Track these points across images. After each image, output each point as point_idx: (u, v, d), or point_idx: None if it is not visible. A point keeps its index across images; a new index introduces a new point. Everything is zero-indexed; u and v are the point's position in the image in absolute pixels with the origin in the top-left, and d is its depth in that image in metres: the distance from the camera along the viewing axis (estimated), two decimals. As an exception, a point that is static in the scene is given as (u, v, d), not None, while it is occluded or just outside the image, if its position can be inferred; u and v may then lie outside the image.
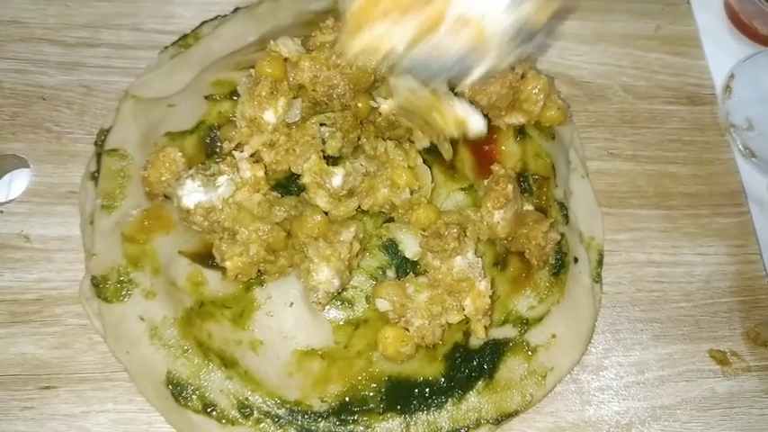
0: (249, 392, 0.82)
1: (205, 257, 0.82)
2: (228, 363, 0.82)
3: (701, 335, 0.98)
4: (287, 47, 0.86)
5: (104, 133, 0.96)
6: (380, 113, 0.84)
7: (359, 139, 0.86)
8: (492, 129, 0.93)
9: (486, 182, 0.87)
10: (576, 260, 0.95)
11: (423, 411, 0.84)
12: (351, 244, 0.79)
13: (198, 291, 0.83)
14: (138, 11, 1.07)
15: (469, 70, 0.70)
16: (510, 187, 0.83)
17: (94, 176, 0.93)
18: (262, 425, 0.82)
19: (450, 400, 0.85)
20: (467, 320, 0.81)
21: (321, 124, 0.84)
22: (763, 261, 1.03)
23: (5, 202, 0.94)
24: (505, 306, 0.88)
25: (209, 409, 0.82)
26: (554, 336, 0.90)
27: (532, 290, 0.89)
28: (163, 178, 0.84)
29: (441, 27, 0.66)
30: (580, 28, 1.16)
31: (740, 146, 1.11)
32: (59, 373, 0.86)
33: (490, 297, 0.80)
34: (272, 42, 0.86)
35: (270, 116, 0.83)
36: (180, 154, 0.85)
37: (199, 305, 0.83)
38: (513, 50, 0.69)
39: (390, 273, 0.83)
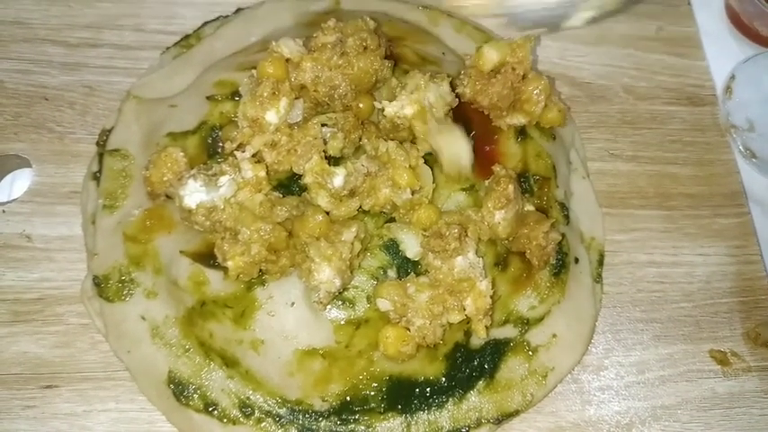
0: (250, 392, 0.82)
1: (207, 257, 0.83)
2: (230, 362, 0.83)
3: (701, 335, 0.98)
4: (289, 47, 0.86)
5: (106, 133, 0.96)
6: (384, 115, 0.84)
7: (360, 139, 0.86)
8: (493, 129, 0.93)
9: (487, 182, 0.87)
10: (576, 260, 0.95)
11: (424, 411, 0.84)
12: (352, 244, 0.79)
13: (199, 290, 0.83)
14: (140, 11, 1.07)
15: (577, 10, 0.70)
16: (511, 188, 0.84)
17: (96, 176, 0.94)
18: (263, 424, 0.82)
19: (450, 399, 0.85)
20: (468, 320, 0.81)
21: (323, 125, 0.84)
22: (763, 261, 1.03)
23: (7, 202, 0.94)
24: (506, 306, 0.88)
25: (210, 409, 0.82)
26: (555, 336, 0.90)
27: (533, 290, 0.89)
28: (165, 178, 0.85)
29: None
30: (581, 29, 1.16)
31: (741, 147, 1.11)
32: (61, 373, 0.86)
33: (491, 297, 0.80)
34: (273, 43, 0.86)
35: (272, 116, 0.83)
36: (182, 154, 0.85)
37: (200, 305, 0.83)
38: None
39: (391, 273, 0.83)
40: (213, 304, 0.82)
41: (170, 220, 0.87)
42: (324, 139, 0.84)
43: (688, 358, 0.96)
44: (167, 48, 1.04)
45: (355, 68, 0.84)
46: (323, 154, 0.83)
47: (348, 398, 0.82)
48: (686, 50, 1.18)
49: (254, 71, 0.86)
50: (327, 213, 0.80)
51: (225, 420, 0.82)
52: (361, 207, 0.83)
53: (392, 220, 0.85)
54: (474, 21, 1.11)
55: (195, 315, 0.83)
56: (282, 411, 0.82)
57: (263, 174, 0.81)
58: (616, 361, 0.95)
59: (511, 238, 0.87)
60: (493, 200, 0.84)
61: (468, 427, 0.85)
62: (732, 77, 1.14)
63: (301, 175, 0.83)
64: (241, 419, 0.82)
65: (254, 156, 0.83)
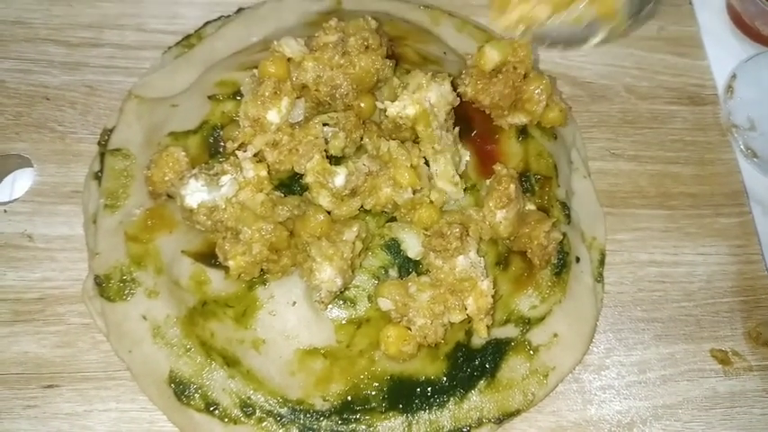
0: (251, 391, 0.82)
1: (208, 257, 0.83)
2: (231, 362, 0.83)
3: (702, 334, 0.98)
4: (290, 47, 0.86)
5: (108, 133, 0.96)
6: (387, 115, 0.84)
7: (362, 138, 0.86)
8: (494, 129, 0.93)
9: (488, 181, 0.87)
10: (577, 260, 0.95)
11: (425, 410, 0.84)
12: (353, 243, 0.79)
13: (201, 290, 0.83)
14: (141, 11, 1.07)
15: (595, 33, 0.84)
16: (512, 187, 0.84)
17: (98, 176, 0.94)
18: (264, 424, 0.82)
19: (452, 399, 0.85)
20: (469, 320, 0.81)
21: (324, 124, 0.84)
22: (764, 261, 1.03)
23: (9, 202, 0.94)
24: (507, 305, 0.88)
25: (211, 408, 0.82)
26: (556, 335, 0.90)
27: (534, 289, 0.89)
28: (166, 178, 0.85)
29: (576, 3, 0.79)
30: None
31: (742, 146, 1.11)
32: (62, 372, 0.86)
33: (492, 296, 0.80)
34: (275, 42, 0.87)
35: (273, 116, 0.83)
36: (183, 153, 0.85)
37: (201, 304, 0.83)
38: (633, 16, 0.83)
39: (393, 272, 0.83)
40: (214, 304, 0.82)
41: (171, 219, 0.87)
42: (325, 139, 0.84)
43: (689, 358, 0.96)
44: (169, 47, 1.04)
45: (357, 68, 0.84)
46: (324, 153, 0.83)
47: (349, 397, 0.82)
48: (688, 50, 1.18)
49: (255, 71, 0.86)
50: (329, 213, 0.80)
51: (226, 420, 0.82)
52: (362, 206, 0.83)
53: (393, 219, 0.85)
54: (475, 20, 1.11)
55: (196, 315, 0.83)
56: (283, 411, 0.82)
57: (264, 173, 0.81)
58: (617, 360, 0.95)
59: (512, 238, 0.87)
60: (494, 199, 0.84)
61: (470, 426, 0.85)
62: (733, 77, 1.14)
63: (303, 175, 0.83)
64: (242, 419, 0.82)
65: (255, 155, 0.83)
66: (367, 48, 0.85)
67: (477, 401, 0.86)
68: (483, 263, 0.82)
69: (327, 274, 0.77)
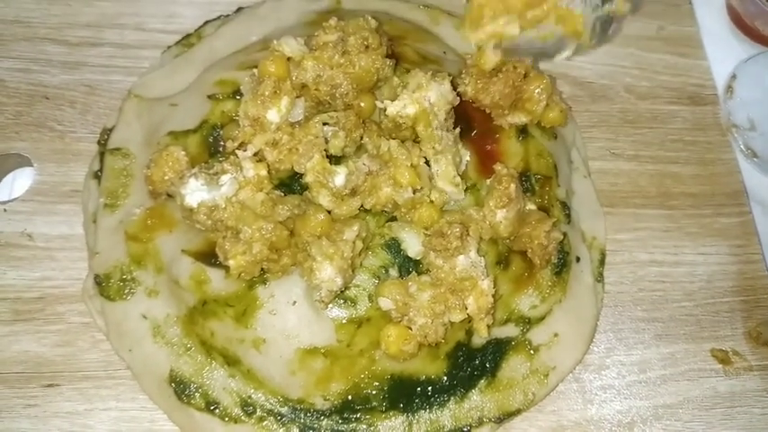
0: (252, 390, 0.82)
1: (208, 256, 0.83)
2: (231, 361, 0.83)
3: (702, 334, 0.98)
4: (290, 46, 0.86)
5: (107, 132, 0.96)
6: (386, 115, 0.84)
7: (362, 138, 0.86)
8: (494, 128, 0.93)
9: (488, 181, 0.87)
10: (578, 259, 0.95)
11: (425, 410, 0.84)
12: (354, 243, 0.79)
13: (201, 289, 0.83)
14: (140, 10, 1.07)
15: (563, 48, 0.90)
16: (512, 187, 0.84)
17: (97, 175, 0.94)
18: (264, 423, 0.82)
19: (452, 398, 0.85)
20: (469, 319, 0.81)
21: (324, 123, 0.84)
22: (764, 261, 1.03)
23: (8, 201, 0.94)
24: (508, 305, 0.88)
25: (211, 407, 0.82)
26: (556, 335, 0.90)
27: (535, 289, 0.89)
28: (166, 177, 0.84)
29: (548, 19, 0.86)
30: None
31: (742, 146, 1.11)
32: (62, 371, 0.86)
33: (493, 296, 0.80)
34: (275, 42, 0.87)
35: (273, 115, 0.83)
36: (183, 153, 0.85)
37: (202, 303, 0.83)
38: (597, 35, 0.90)
39: (393, 271, 0.83)
40: (214, 303, 0.82)
41: (171, 218, 0.87)
42: (325, 138, 0.84)
43: (689, 357, 0.96)
44: (168, 47, 1.04)
45: (357, 67, 0.84)
46: (324, 153, 0.83)
47: (350, 397, 0.82)
48: (687, 50, 1.18)
49: (255, 70, 0.86)
50: (329, 212, 0.80)
51: (226, 419, 0.82)
52: (362, 206, 0.83)
53: (393, 218, 0.85)
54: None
55: (196, 314, 0.83)
56: (284, 410, 0.82)
57: (264, 173, 0.81)
58: (617, 360, 0.95)
59: (512, 237, 0.87)
60: (494, 199, 0.84)
61: (470, 425, 0.85)
62: (733, 77, 1.14)
63: (303, 174, 0.83)
64: (243, 418, 0.82)
65: (255, 155, 0.83)
66: (367, 47, 0.85)
67: (478, 401, 0.86)
68: (483, 262, 0.82)
69: (328, 274, 0.77)
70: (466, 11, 0.89)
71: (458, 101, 0.88)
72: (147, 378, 0.84)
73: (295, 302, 0.81)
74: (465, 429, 0.84)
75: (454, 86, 0.88)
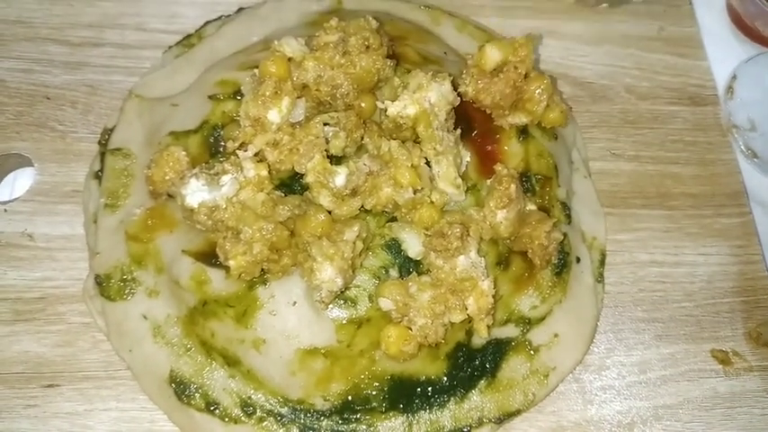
0: (252, 391, 0.82)
1: (208, 256, 0.83)
2: (231, 361, 0.83)
3: (702, 335, 0.98)
4: (291, 47, 0.86)
5: (108, 132, 0.96)
6: (387, 115, 0.84)
7: (362, 138, 0.86)
8: (495, 129, 0.93)
9: (489, 182, 0.87)
10: (578, 260, 0.95)
11: (425, 410, 0.84)
12: (354, 243, 0.79)
13: (201, 289, 0.83)
14: (142, 11, 1.08)
15: None
16: (513, 187, 0.84)
17: (98, 175, 0.94)
18: (264, 423, 0.82)
19: (452, 398, 0.85)
20: (469, 320, 0.81)
21: (325, 124, 0.84)
22: (765, 261, 1.03)
23: (9, 201, 0.95)
24: (508, 305, 0.88)
25: (211, 408, 0.82)
26: (556, 335, 0.90)
27: (535, 289, 0.89)
28: (167, 177, 0.85)
29: None
30: (583, 29, 1.17)
31: (742, 146, 1.11)
32: (63, 372, 0.86)
33: (493, 296, 0.80)
34: (275, 42, 0.87)
35: (274, 116, 0.83)
36: (184, 153, 0.85)
37: (202, 304, 0.83)
38: None
39: (393, 272, 0.83)
40: (215, 303, 0.82)
41: (172, 219, 0.87)
42: (326, 139, 0.84)
43: (689, 358, 0.96)
44: (169, 47, 1.04)
45: (357, 68, 0.84)
46: (325, 153, 0.83)
47: (350, 397, 0.82)
48: (688, 50, 1.18)
49: (256, 70, 0.86)
50: (329, 212, 0.80)
51: (226, 419, 0.82)
52: (362, 206, 0.83)
53: (394, 219, 0.85)
54: (475, 20, 1.11)
55: (197, 314, 0.83)
56: (284, 410, 0.82)
57: (264, 173, 0.81)
58: (618, 360, 0.95)
59: (513, 238, 0.87)
60: (495, 199, 0.84)
61: (470, 426, 0.85)
62: (734, 77, 1.14)
63: (303, 175, 0.83)
64: (243, 419, 0.82)
65: (256, 155, 0.83)
66: (368, 47, 0.85)
67: (478, 401, 0.86)
68: (483, 263, 0.82)
69: (328, 274, 0.77)
70: None
71: (458, 101, 0.88)
72: (148, 378, 0.84)
73: (295, 303, 0.81)
74: (465, 430, 0.84)
75: (455, 87, 0.88)
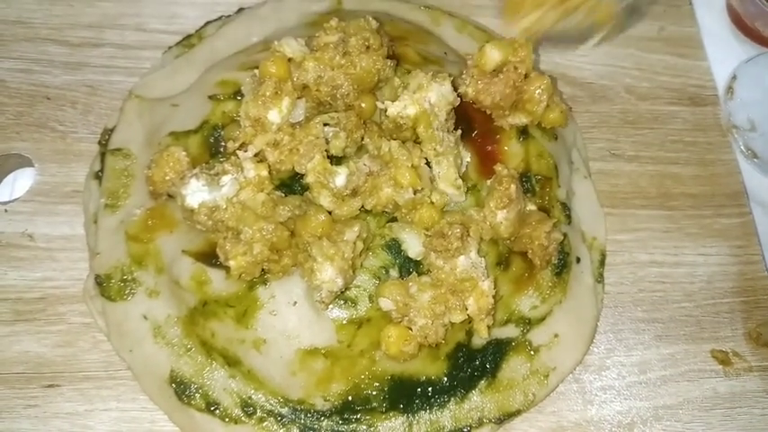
0: (252, 391, 0.82)
1: (209, 256, 0.83)
2: (232, 361, 0.83)
3: (702, 335, 0.98)
4: (291, 47, 0.86)
5: (108, 133, 0.96)
6: (387, 116, 0.84)
7: (362, 138, 0.86)
8: (495, 129, 0.93)
9: (489, 182, 0.87)
10: (578, 260, 0.95)
11: (425, 410, 0.84)
12: (354, 243, 0.79)
13: (201, 290, 0.83)
14: (141, 11, 1.07)
15: (591, 37, 0.99)
16: (513, 187, 0.84)
17: (98, 176, 0.94)
18: (265, 423, 0.82)
19: (452, 399, 0.85)
20: (470, 320, 0.81)
21: (325, 124, 0.84)
22: (764, 261, 1.03)
23: (9, 201, 0.95)
24: (508, 306, 0.88)
25: (212, 408, 0.82)
26: (556, 335, 0.90)
27: (535, 290, 0.90)
28: (167, 177, 0.85)
29: (580, 10, 0.94)
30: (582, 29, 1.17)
31: (742, 147, 1.11)
32: (63, 372, 0.86)
33: (493, 297, 0.80)
34: (276, 42, 0.87)
35: (274, 116, 0.83)
36: (184, 153, 0.85)
37: (202, 304, 0.83)
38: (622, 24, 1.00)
39: (393, 272, 0.83)
40: (215, 304, 0.82)
41: (172, 219, 0.87)
42: (326, 139, 0.84)
43: (689, 358, 0.96)
44: (169, 47, 1.04)
45: (357, 68, 0.84)
46: (325, 153, 0.83)
47: (350, 397, 0.82)
48: (688, 51, 1.18)
49: (256, 71, 0.86)
50: (330, 213, 0.80)
51: (227, 420, 0.82)
52: (363, 206, 0.83)
53: (394, 219, 0.85)
54: (475, 21, 1.11)
55: (197, 314, 0.83)
56: (284, 411, 0.82)
57: (265, 173, 0.81)
58: (618, 361, 0.95)
59: (513, 238, 0.87)
60: (495, 199, 0.84)
61: (470, 426, 0.85)
62: (734, 78, 1.14)
63: (303, 175, 0.83)
64: (243, 419, 0.82)
65: (256, 155, 0.83)
66: (368, 48, 0.85)
67: (478, 401, 0.86)
68: (484, 263, 0.82)
69: (328, 274, 0.77)
70: (503, 2, 0.94)
71: (458, 101, 0.88)
72: (148, 378, 0.84)
73: (296, 303, 0.81)
74: (465, 430, 0.84)
75: (455, 87, 0.88)
